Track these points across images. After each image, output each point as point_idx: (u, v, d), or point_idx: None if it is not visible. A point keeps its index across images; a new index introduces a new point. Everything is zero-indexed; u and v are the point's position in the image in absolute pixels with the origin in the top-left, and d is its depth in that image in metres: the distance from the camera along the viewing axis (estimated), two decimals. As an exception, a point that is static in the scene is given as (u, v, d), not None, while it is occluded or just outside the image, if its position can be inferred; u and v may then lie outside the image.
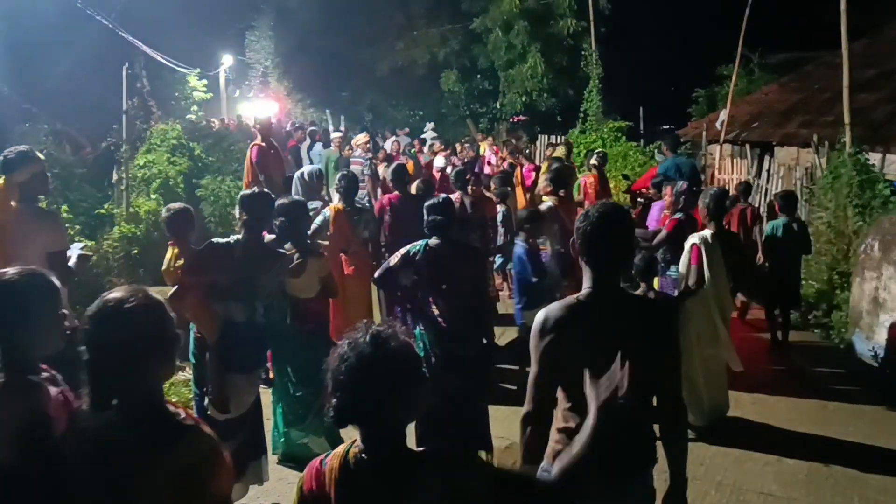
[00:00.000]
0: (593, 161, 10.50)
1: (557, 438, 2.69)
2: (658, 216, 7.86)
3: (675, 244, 6.18)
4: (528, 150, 15.71)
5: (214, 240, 4.52)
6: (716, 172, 12.84)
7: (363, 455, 1.97)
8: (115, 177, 9.62)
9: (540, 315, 2.69)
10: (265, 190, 4.76)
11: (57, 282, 2.53)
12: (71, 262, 4.56)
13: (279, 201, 4.81)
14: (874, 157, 9.28)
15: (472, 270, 4.78)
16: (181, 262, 4.96)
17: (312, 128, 16.94)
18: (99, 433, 2.02)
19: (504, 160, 13.90)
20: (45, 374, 2.45)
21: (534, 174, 11.48)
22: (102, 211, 8.87)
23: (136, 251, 8.11)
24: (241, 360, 4.25)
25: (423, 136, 20.23)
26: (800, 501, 4.74)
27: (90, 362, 2.05)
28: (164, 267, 5.08)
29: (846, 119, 8.93)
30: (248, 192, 4.62)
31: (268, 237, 5.13)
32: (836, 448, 5.44)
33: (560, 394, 2.71)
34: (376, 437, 1.97)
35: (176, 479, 1.98)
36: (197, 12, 21.03)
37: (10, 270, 2.43)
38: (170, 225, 5.03)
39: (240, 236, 4.40)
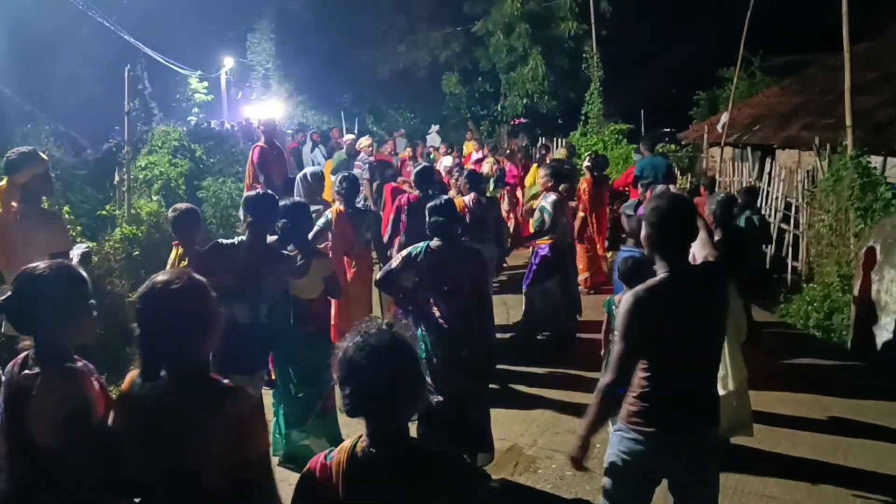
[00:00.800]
0: (586, 164, 10.45)
1: (633, 402, 3.08)
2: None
3: None
4: (525, 153, 15.64)
5: (219, 241, 4.58)
6: (717, 175, 12.83)
7: (371, 449, 2.04)
8: (116, 178, 9.62)
9: (629, 297, 3.05)
10: (269, 192, 4.79)
11: (85, 274, 2.65)
12: (73, 262, 4.55)
13: (280, 203, 4.83)
14: (876, 160, 9.28)
15: (473, 272, 4.78)
16: (185, 262, 4.96)
17: (312, 130, 16.95)
18: (152, 399, 2.28)
19: (482, 161, 13.95)
20: (79, 363, 2.56)
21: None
22: (104, 212, 8.87)
23: (137, 252, 8.10)
24: (244, 362, 4.25)
25: (427, 138, 20.26)
26: (802, 503, 4.74)
27: (142, 337, 2.30)
28: (167, 267, 5.07)
29: (848, 122, 8.92)
30: (253, 194, 4.66)
31: (270, 238, 5.14)
32: (838, 450, 5.43)
33: (641, 364, 3.06)
34: (385, 431, 2.05)
35: (224, 434, 2.22)
36: (198, 14, 21.06)
37: (42, 264, 2.55)
38: (176, 225, 5.02)
39: (244, 237, 4.44)
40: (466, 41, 24.46)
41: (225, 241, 4.52)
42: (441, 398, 4.42)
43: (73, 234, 6.54)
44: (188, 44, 20.59)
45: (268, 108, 21.45)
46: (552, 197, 7.64)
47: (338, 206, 6.42)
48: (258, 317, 4.35)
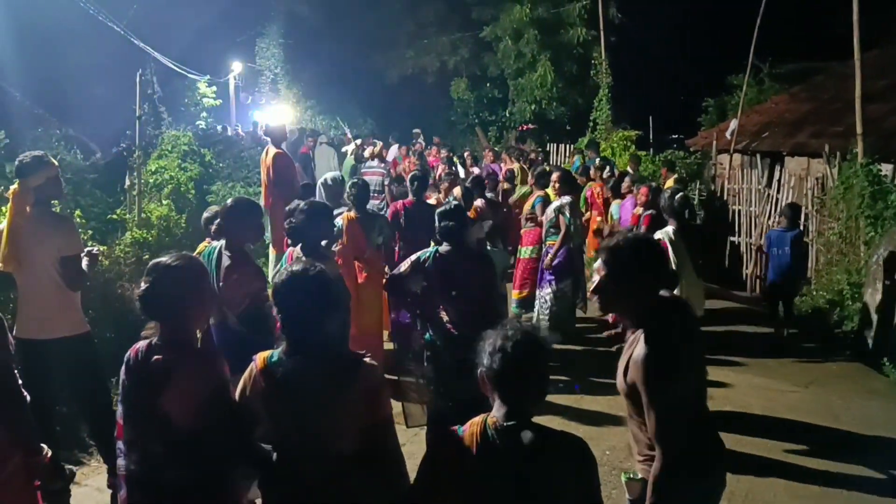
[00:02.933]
0: (591, 172, 10.57)
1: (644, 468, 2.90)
2: (628, 214, 8.38)
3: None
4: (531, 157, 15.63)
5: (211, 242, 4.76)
6: (725, 182, 12.80)
7: (504, 424, 2.26)
8: (127, 182, 9.66)
9: (652, 366, 2.70)
10: (245, 197, 4.81)
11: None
12: (84, 265, 4.58)
13: (296, 205, 4.88)
14: (886, 168, 9.25)
15: (481, 277, 4.78)
16: None
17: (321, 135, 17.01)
18: (293, 373, 2.58)
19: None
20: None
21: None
22: (114, 216, 8.90)
23: (147, 256, 8.10)
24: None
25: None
26: (812, 513, 4.72)
27: (284, 319, 2.64)
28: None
29: (858, 129, 8.91)
30: (230, 201, 4.72)
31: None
32: (849, 461, 5.40)
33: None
34: (515, 412, 2.27)
35: (358, 402, 2.54)
36: (208, 20, 21.16)
37: (171, 257, 2.78)
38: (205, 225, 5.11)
39: (222, 242, 4.52)
40: (475, 47, 24.47)
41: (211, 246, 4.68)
42: (450, 403, 4.42)
43: (84, 237, 6.56)
44: (197, 48, 20.70)
45: (278, 112, 21.52)
46: (567, 199, 7.75)
47: (349, 211, 6.44)
48: (227, 321, 4.30)
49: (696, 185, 13.44)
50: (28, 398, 3.40)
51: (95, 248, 5.17)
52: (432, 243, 5.11)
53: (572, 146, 19.02)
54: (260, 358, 2.68)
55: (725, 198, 12.45)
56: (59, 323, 4.46)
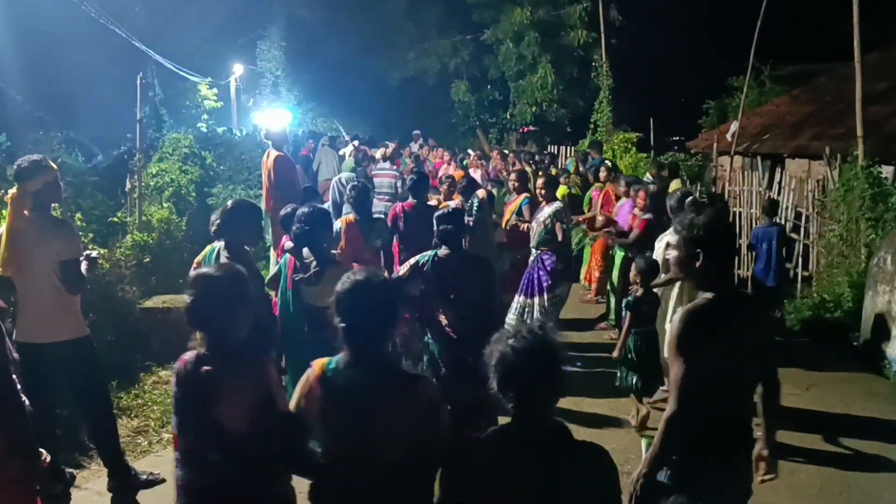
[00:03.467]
0: (602, 175, 10.50)
1: None
2: (627, 215, 8.39)
3: (646, 241, 7.01)
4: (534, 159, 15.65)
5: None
6: (726, 184, 12.80)
7: (517, 430, 2.34)
8: (127, 185, 9.66)
9: (681, 318, 2.94)
10: (244, 199, 4.84)
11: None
12: (83, 268, 4.58)
13: (301, 209, 4.91)
14: (887, 171, 9.25)
15: (480, 280, 4.78)
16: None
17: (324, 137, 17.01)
18: (352, 383, 2.59)
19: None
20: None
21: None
22: (115, 219, 8.90)
23: (148, 259, 8.13)
24: None
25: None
26: (813, 516, 4.72)
27: (347, 328, 2.62)
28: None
29: (859, 131, 8.90)
30: (229, 203, 4.77)
31: (289, 244, 5.19)
32: (850, 461, 5.40)
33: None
34: (532, 416, 2.33)
35: (414, 415, 2.56)
36: (209, 22, 21.16)
37: (210, 268, 2.90)
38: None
39: (222, 243, 4.58)
40: (476, 49, 24.50)
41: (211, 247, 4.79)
42: (449, 406, 4.41)
43: (85, 240, 6.56)
44: (199, 51, 20.69)
45: (279, 115, 21.46)
46: (559, 204, 7.70)
47: (348, 214, 6.44)
48: None
49: (697, 187, 13.43)
50: (27, 402, 3.41)
51: (94, 252, 5.18)
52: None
53: (573, 148, 19.03)
54: (317, 365, 2.70)
55: (726, 199, 12.44)
56: (58, 326, 4.45)
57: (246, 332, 2.86)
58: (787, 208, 10.72)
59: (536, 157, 16.07)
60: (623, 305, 6.12)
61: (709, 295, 2.95)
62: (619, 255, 8.13)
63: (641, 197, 7.74)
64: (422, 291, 4.76)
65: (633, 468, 3.04)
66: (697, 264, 2.94)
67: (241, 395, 2.70)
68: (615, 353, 5.96)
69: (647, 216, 7.41)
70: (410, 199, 7.19)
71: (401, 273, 4.81)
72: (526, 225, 7.90)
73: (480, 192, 8.24)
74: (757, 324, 3.05)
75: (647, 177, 11.36)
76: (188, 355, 2.81)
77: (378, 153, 12.69)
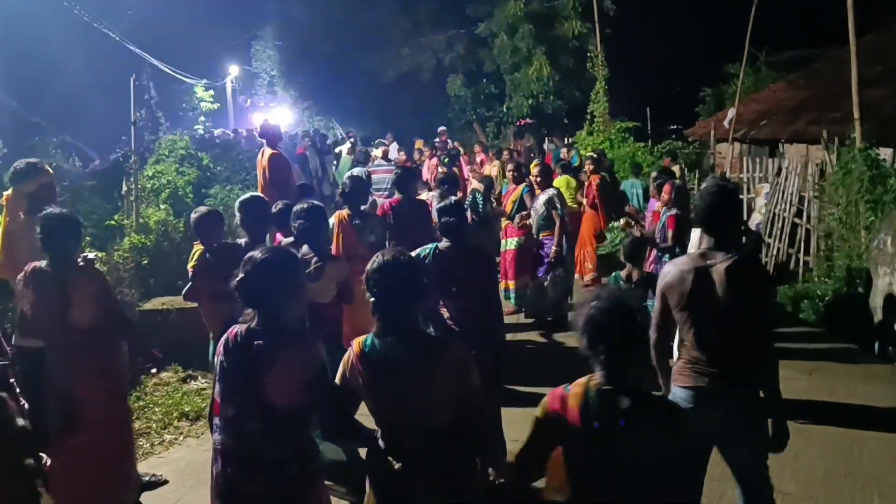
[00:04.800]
0: (590, 165, 10.62)
1: (679, 364, 3.56)
2: (650, 213, 8.49)
3: (680, 237, 6.93)
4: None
5: (227, 241, 4.91)
6: (727, 172, 12.77)
7: (605, 387, 2.51)
8: (124, 188, 9.65)
9: (669, 266, 3.59)
10: (259, 195, 4.96)
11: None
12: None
13: (298, 206, 4.91)
14: (885, 153, 9.22)
15: (481, 273, 4.76)
16: (192, 263, 5.04)
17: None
18: (389, 354, 2.79)
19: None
20: None
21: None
22: (112, 222, 8.90)
23: (145, 261, 8.12)
24: None
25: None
26: (818, 500, 4.69)
27: (377, 302, 2.84)
28: (189, 264, 5.19)
29: (856, 115, 8.87)
30: (245, 196, 4.81)
31: (285, 240, 5.17)
32: (854, 446, 5.39)
33: (689, 329, 3.48)
34: (616, 373, 2.50)
35: (447, 376, 2.76)
36: (203, 23, 21.14)
37: (261, 251, 2.98)
38: (196, 226, 5.09)
39: (246, 239, 4.61)
40: (470, 43, 24.45)
41: (227, 243, 4.84)
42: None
43: (83, 244, 6.55)
44: (193, 53, 20.68)
45: (278, 114, 21.49)
46: (553, 191, 8.09)
47: (341, 210, 6.42)
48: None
49: (695, 175, 13.42)
50: (27, 406, 3.40)
51: (92, 254, 5.17)
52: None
53: (570, 140, 19.01)
54: (357, 343, 2.89)
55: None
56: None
57: (299, 312, 3.05)
58: (791, 193, 10.66)
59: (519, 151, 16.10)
60: (608, 280, 6.27)
61: (704, 249, 3.54)
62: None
63: (666, 191, 7.39)
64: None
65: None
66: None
67: (291, 370, 2.84)
68: None
69: (674, 211, 7.11)
70: (397, 195, 7.17)
71: None
72: (522, 215, 8.23)
73: (479, 185, 8.27)
74: (751, 277, 3.49)
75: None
76: (238, 327, 2.96)
77: (377, 151, 12.70)
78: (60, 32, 14.11)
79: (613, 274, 6.20)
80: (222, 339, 2.99)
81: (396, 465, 2.82)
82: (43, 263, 4.05)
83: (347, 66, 25.41)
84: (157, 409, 6.18)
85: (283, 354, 2.85)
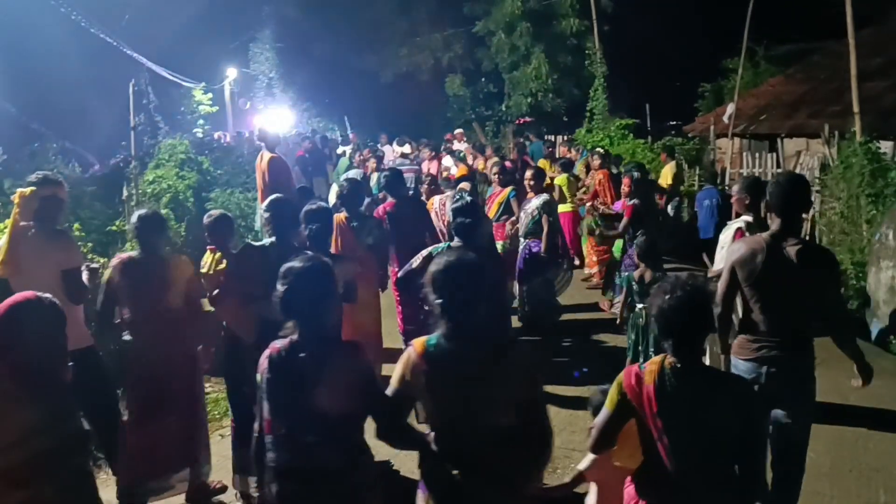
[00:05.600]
0: (597, 161, 10.59)
1: (747, 339, 3.81)
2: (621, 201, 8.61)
3: (634, 226, 7.41)
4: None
5: (251, 243, 4.86)
6: (728, 167, 12.77)
7: (677, 365, 2.71)
8: (124, 193, 9.65)
9: (740, 244, 3.86)
10: (287, 197, 4.95)
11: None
12: (84, 278, 4.60)
13: (309, 207, 4.98)
14: (885, 146, 9.22)
15: (490, 273, 4.78)
16: (222, 265, 5.04)
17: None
18: (456, 353, 2.75)
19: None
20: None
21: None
22: (113, 227, 8.88)
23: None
24: None
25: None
26: (824, 495, 4.69)
27: (443, 304, 2.77)
28: (203, 270, 5.16)
29: (855, 108, 8.87)
30: (273, 198, 4.78)
31: (267, 240, 5.22)
32: (859, 440, 5.38)
33: (756, 303, 3.75)
34: (687, 353, 2.72)
35: (511, 379, 2.74)
36: (200, 27, 21.13)
37: (298, 260, 2.98)
38: (210, 231, 5.15)
39: (273, 239, 4.60)
40: (468, 42, 24.44)
41: (256, 244, 4.77)
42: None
43: (84, 250, 6.54)
44: (191, 56, 20.64)
45: (277, 117, 21.46)
46: (546, 196, 8.01)
47: (339, 213, 6.43)
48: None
49: (695, 171, 13.41)
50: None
51: (95, 263, 5.19)
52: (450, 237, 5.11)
53: (570, 137, 19.01)
54: (418, 343, 2.83)
55: (727, 182, 12.42)
56: (63, 337, 4.46)
57: (336, 318, 3.06)
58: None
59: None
60: (620, 281, 6.39)
61: (773, 232, 3.77)
62: (617, 240, 8.33)
63: (626, 183, 7.97)
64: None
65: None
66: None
67: (341, 379, 2.85)
68: (619, 320, 6.28)
69: (634, 202, 7.70)
70: (390, 198, 7.12)
71: (415, 265, 4.81)
72: (512, 221, 8.14)
73: (465, 185, 8.24)
74: (817, 263, 3.78)
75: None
76: (280, 342, 2.94)
77: (398, 149, 12.79)
78: (59, 38, 14.10)
79: (626, 275, 6.21)
80: (264, 356, 2.96)
81: (455, 472, 2.78)
82: (134, 254, 4.65)
83: (345, 67, 25.41)
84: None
85: (331, 364, 2.86)
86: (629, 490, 2.94)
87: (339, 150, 16.80)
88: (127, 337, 4.62)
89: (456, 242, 4.73)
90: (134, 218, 4.72)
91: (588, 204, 9.84)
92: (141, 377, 4.52)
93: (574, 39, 21.43)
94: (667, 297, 2.72)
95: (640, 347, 6.08)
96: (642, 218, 7.54)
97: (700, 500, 2.75)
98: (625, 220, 7.73)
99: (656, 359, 2.79)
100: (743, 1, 12.22)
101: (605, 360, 7.04)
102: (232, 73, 23.80)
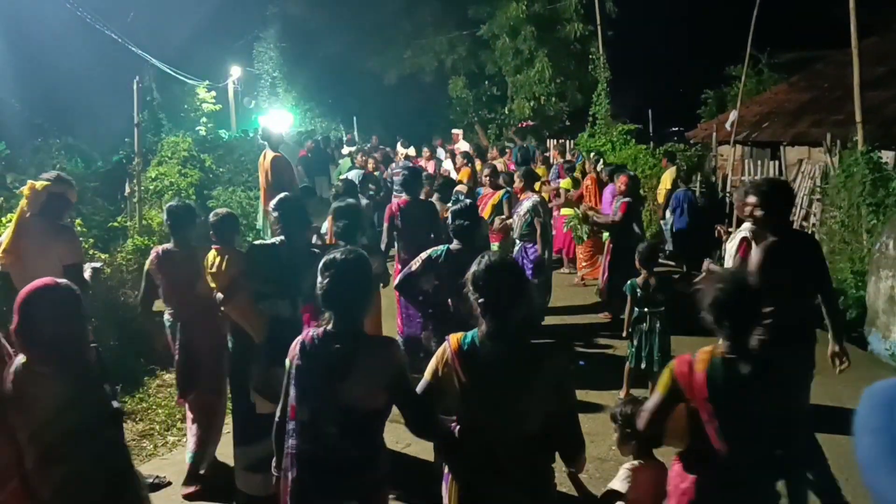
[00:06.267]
0: (599, 166, 10.82)
1: None
2: (610, 199, 9.16)
3: (627, 222, 8.08)
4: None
5: (256, 242, 5.05)
6: (729, 174, 12.77)
7: (729, 355, 2.88)
8: (127, 189, 9.67)
9: (763, 246, 4.30)
10: (292, 194, 5.07)
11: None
12: (86, 276, 4.62)
13: (336, 204, 5.31)
14: (887, 156, 9.23)
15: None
16: (226, 264, 5.02)
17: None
18: (495, 355, 2.80)
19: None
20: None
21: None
22: (115, 224, 8.91)
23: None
24: (286, 354, 4.49)
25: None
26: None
27: (485, 304, 2.83)
28: (208, 269, 5.15)
29: (858, 117, 8.88)
30: (282, 196, 4.80)
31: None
32: (853, 451, 5.37)
33: None
34: (739, 342, 2.89)
35: (543, 386, 2.78)
36: (205, 25, 21.15)
37: (339, 252, 3.01)
38: (216, 229, 5.05)
39: (282, 238, 4.61)
40: (472, 45, 24.44)
41: (263, 243, 4.88)
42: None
43: (86, 246, 6.57)
44: (195, 54, 20.68)
45: (281, 116, 21.47)
46: (537, 198, 8.13)
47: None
48: (296, 312, 4.53)
49: (697, 177, 13.41)
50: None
51: (98, 263, 5.26)
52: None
53: (572, 141, 19.03)
54: (453, 340, 2.89)
55: (728, 189, 12.42)
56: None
57: (367, 312, 3.09)
58: (802, 197, 10.64)
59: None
60: (624, 289, 6.35)
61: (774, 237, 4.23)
62: (605, 238, 8.80)
63: (622, 182, 8.29)
64: (434, 286, 4.78)
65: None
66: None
67: (371, 373, 2.88)
68: (624, 333, 6.32)
69: (627, 199, 8.14)
70: (405, 196, 7.20)
71: (413, 268, 4.81)
72: (502, 219, 8.29)
73: (461, 187, 8.29)
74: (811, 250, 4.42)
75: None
76: (313, 331, 2.98)
77: (402, 151, 12.86)
78: (64, 35, 14.13)
79: (630, 281, 6.28)
80: (297, 343, 3.01)
81: (480, 470, 2.84)
82: (169, 246, 4.95)
83: (349, 68, 25.43)
84: (160, 411, 6.19)
85: (363, 357, 2.89)
86: (676, 468, 3.09)
87: (345, 151, 16.83)
88: (167, 318, 5.00)
89: (455, 245, 4.74)
90: (168, 208, 5.13)
91: (583, 206, 9.93)
92: (182, 352, 4.93)
93: (578, 44, 21.43)
94: (721, 289, 2.89)
95: (643, 353, 6.17)
96: (633, 217, 8.22)
97: (746, 477, 2.91)
98: (619, 214, 8.13)
99: (706, 348, 2.94)
100: (747, 8, 12.22)
101: (604, 365, 7.07)
102: (236, 71, 23.82)
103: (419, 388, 2.93)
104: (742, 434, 2.87)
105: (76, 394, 2.84)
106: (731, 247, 6.38)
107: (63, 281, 3.01)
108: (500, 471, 2.80)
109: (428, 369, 2.92)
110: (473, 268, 2.92)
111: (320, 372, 2.90)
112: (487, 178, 8.78)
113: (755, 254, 4.34)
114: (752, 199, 4.46)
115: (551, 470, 2.95)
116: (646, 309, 6.17)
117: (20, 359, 2.86)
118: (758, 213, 4.40)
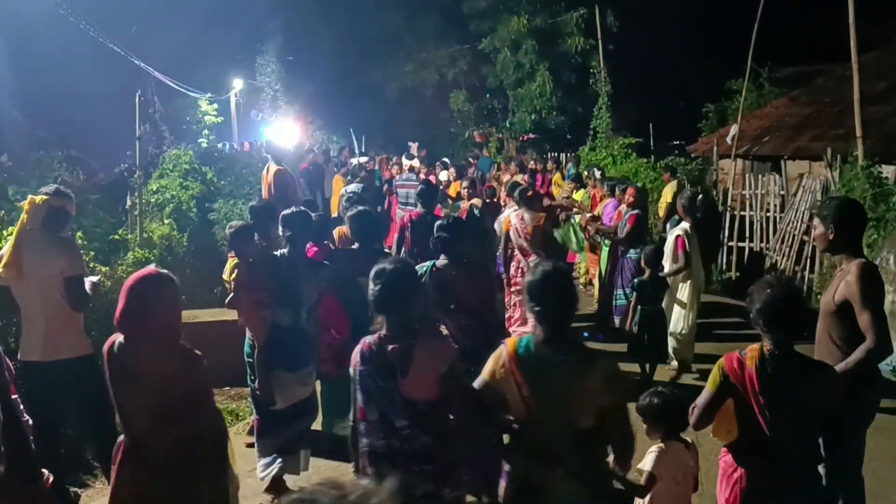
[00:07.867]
0: (598, 176, 10.87)
1: None
2: (612, 212, 9.22)
3: (637, 234, 8.22)
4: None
5: (266, 253, 5.31)
6: (730, 188, 12.76)
7: (776, 352, 3.11)
8: (128, 202, 9.67)
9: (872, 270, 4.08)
10: (303, 209, 5.19)
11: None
12: (86, 288, 4.62)
13: (351, 212, 5.68)
14: (887, 170, 9.23)
15: (480, 289, 4.77)
16: (236, 272, 5.37)
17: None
18: (550, 357, 2.99)
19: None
20: None
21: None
22: (116, 236, 8.89)
23: (149, 276, 8.11)
24: (287, 359, 4.70)
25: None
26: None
27: (542, 311, 3.01)
28: (225, 276, 5.79)
29: (858, 132, 8.89)
30: (289, 211, 5.03)
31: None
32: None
33: None
34: (786, 342, 3.12)
35: (596, 386, 2.93)
36: (207, 38, 21.22)
37: (389, 262, 3.25)
38: (232, 240, 5.68)
39: (285, 251, 4.86)
40: (474, 58, 24.54)
41: (266, 254, 5.15)
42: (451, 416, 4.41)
43: (87, 258, 6.56)
44: (197, 67, 20.74)
45: (286, 129, 21.52)
46: (516, 208, 8.26)
47: (342, 226, 6.49)
48: (299, 320, 4.75)
49: (698, 191, 13.40)
50: (31, 421, 3.40)
51: (96, 277, 5.26)
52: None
53: (573, 155, 19.06)
54: (510, 343, 3.09)
55: (729, 203, 12.41)
56: (62, 345, 4.48)
57: (420, 314, 3.34)
58: (803, 212, 10.62)
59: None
60: (631, 286, 7.34)
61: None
62: (604, 249, 8.94)
63: (630, 193, 8.46)
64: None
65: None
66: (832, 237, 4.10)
67: (427, 366, 3.11)
68: (627, 325, 7.18)
69: (636, 211, 8.28)
70: (419, 209, 7.22)
71: None
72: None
73: (476, 200, 8.32)
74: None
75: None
76: (369, 338, 3.22)
77: (407, 163, 12.91)
78: (66, 47, 14.16)
79: (637, 280, 7.17)
80: (357, 351, 3.24)
81: (538, 463, 3.00)
82: None
83: (351, 81, 25.50)
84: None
85: (418, 353, 3.11)
86: (727, 459, 3.32)
87: (354, 161, 16.85)
88: None
89: (441, 260, 4.73)
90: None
91: (588, 216, 9.96)
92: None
93: (579, 58, 21.50)
94: (770, 292, 3.09)
95: (643, 344, 7.01)
96: (643, 229, 8.51)
97: (793, 465, 3.15)
98: (628, 227, 8.23)
99: (755, 346, 3.16)
100: (748, 23, 12.26)
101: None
102: (238, 84, 23.88)
103: (476, 384, 3.13)
104: (790, 424, 3.09)
105: (182, 366, 3.21)
106: (669, 240, 7.28)
107: (164, 271, 3.35)
108: (558, 463, 2.97)
109: (484, 370, 3.11)
110: (528, 277, 3.11)
111: (382, 373, 3.14)
112: (466, 189, 9.06)
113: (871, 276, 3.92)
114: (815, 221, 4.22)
115: (607, 464, 3.10)
116: (647, 306, 6.96)
117: (119, 338, 3.24)
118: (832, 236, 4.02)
